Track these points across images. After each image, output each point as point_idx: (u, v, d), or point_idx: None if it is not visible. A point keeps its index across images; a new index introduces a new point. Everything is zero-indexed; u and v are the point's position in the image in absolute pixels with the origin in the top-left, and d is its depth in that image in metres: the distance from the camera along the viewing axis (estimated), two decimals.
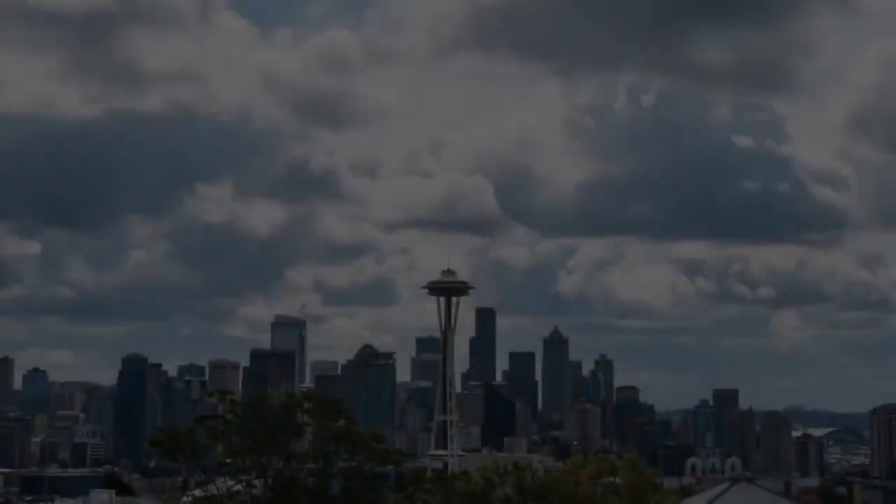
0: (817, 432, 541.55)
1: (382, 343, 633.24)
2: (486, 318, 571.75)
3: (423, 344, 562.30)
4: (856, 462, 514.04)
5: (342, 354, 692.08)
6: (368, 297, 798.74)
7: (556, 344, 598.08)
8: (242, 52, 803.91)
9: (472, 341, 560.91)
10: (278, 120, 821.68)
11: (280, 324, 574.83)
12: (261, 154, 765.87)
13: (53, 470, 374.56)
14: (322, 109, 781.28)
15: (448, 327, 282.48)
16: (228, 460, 59.83)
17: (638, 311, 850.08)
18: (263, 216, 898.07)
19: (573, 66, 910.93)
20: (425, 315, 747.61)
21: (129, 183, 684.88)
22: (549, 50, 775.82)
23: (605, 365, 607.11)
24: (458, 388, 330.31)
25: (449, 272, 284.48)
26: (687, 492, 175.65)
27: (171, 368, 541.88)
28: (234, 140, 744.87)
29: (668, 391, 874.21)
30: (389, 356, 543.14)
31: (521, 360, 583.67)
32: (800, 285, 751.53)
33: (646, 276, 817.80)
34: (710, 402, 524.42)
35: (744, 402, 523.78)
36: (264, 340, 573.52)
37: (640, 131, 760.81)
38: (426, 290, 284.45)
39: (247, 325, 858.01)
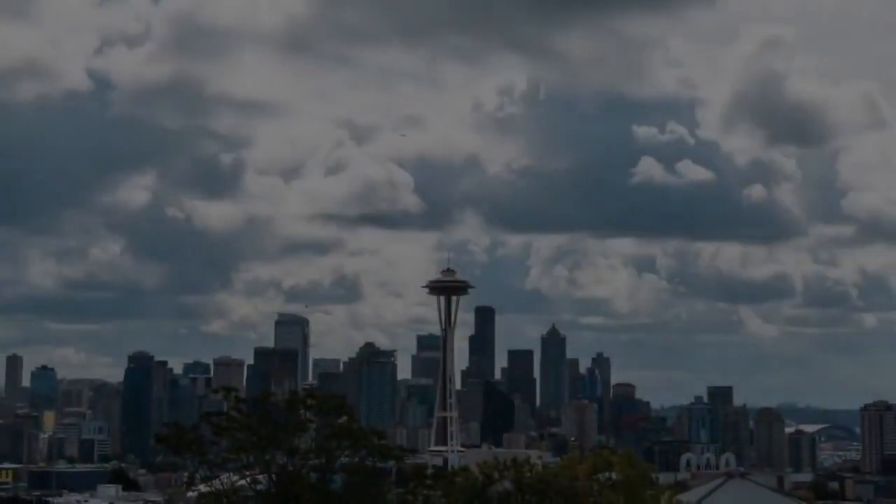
0: (810, 429, 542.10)
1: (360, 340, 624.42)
2: (485, 316, 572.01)
3: (424, 342, 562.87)
4: (847, 458, 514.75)
5: (344, 352, 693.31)
6: (340, 295, 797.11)
7: (553, 342, 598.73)
8: (88, 35, 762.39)
9: (472, 339, 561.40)
10: (158, 109, 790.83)
11: (283, 322, 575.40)
12: (167, 146, 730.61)
13: (61, 465, 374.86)
14: (209, 99, 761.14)
15: (448, 325, 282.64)
16: (233, 456, 59.82)
17: (601, 308, 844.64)
18: (199, 211, 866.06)
19: (442, 55, 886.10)
20: (395, 311, 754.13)
21: (44, 178, 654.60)
22: (413, 37, 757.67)
23: (601, 362, 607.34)
24: (457, 385, 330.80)
25: (449, 271, 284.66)
26: (682, 487, 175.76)
27: (177, 366, 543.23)
28: (125, 133, 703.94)
29: (645, 387, 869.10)
30: (391, 354, 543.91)
31: (519, 358, 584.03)
32: (758, 282, 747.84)
33: (607, 273, 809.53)
34: (705, 399, 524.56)
35: (738, 399, 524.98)
36: (268, 338, 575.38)
37: (543, 125, 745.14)
38: (427, 289, 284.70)
39: (220, 323, 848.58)
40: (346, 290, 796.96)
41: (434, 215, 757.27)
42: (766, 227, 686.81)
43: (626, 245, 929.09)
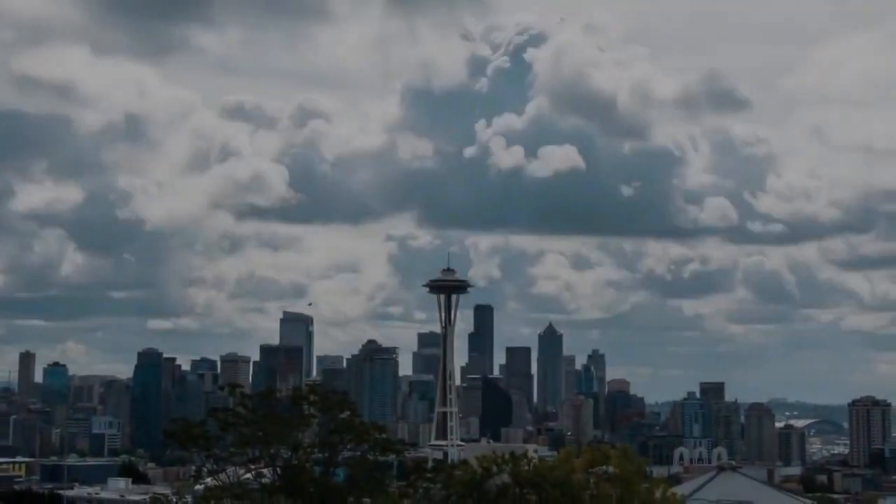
0: (799, 423, 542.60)
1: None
2: (483, 314, 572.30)
3: (424, 339, 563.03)
4: (836, 451, 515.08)
5: (347, 349, 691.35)
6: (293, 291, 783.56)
7: (550, 339, 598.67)
8: None
9: (471, 336, 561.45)
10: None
11: (288, 320, 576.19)
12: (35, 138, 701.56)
13: (73, 459, 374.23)
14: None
15: (448, 323, 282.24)
16: (239, 450, 59.88)
17: (553, 305, 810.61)
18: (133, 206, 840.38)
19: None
20: (357, 306, 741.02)
21: None
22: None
23: (597, 359, 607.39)
24: (457, 381, 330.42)
25: (448, 271, 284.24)
26: (675, 480, 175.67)
27: (184, 363, 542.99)
28: None
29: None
30: (392, 351, 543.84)
31: (517, 355, 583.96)
32: (705, 277, 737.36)
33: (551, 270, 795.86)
34: (698, 395, 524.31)
35: (730, 395, 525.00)
36: (273, 336, 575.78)
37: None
38: (427, 289, 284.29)
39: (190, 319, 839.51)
40: (296, 287, 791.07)
41: (359, 212, 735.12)
42: (663, 221, 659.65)
43: (535, 241, 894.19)
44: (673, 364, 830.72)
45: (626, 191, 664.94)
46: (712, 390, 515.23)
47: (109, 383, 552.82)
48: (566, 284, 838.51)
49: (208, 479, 60.67)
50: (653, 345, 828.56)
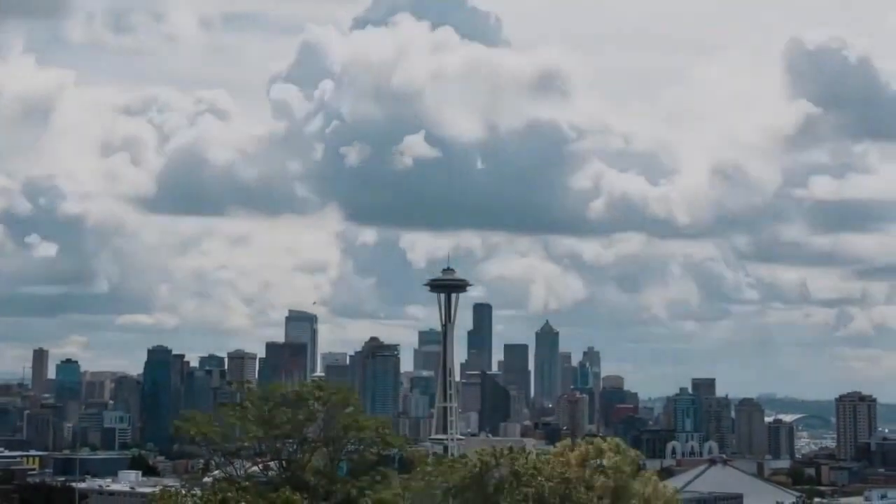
0: (788, 418, 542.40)
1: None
2: (482, 312, 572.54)
3: (426, 336, 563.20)
4: (823, 445, 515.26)
5: (351, 346, 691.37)
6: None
7: (547, 336, 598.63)
8: None
9: (470, 334, 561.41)
10: None
11: (293, 318, 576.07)
12: None
13: (85, 453, 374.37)
14: None
15: (448, 321, 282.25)
16: (246, 444, 60.03)
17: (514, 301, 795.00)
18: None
19: None
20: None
21: None
22: None
23: (592, 356, 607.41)
24: (457, 377, 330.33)
25: (448, 270, 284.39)
26: (668, 473, 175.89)
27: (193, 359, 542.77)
28: None
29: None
30: (394, 348, 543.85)
31: (515, 352, 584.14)
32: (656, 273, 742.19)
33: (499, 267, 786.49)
34: (690, 390, 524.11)
35: (721, 390, 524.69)
36: (279, 333, 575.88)
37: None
38: (427, 287, 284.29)
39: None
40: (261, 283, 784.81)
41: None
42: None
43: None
44: (643, 358, 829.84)
45: (550, 188, 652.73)
46: (704, 386, 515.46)
47: (120, 379, 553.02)
48: (508, 281, 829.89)
49: (216, 472, 60.88)
50: (621, 340, 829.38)
